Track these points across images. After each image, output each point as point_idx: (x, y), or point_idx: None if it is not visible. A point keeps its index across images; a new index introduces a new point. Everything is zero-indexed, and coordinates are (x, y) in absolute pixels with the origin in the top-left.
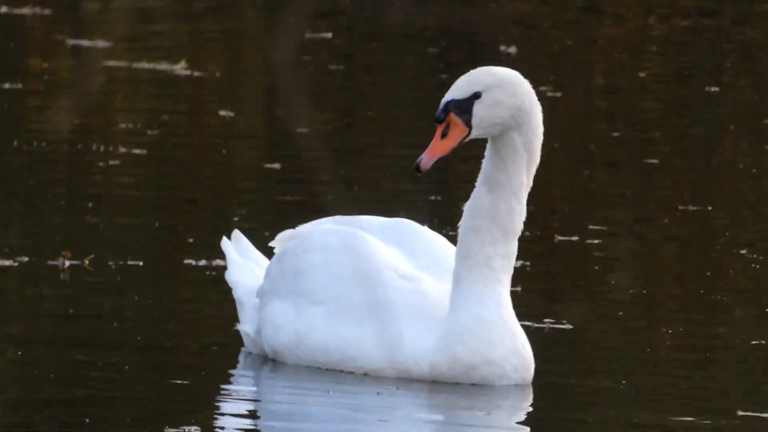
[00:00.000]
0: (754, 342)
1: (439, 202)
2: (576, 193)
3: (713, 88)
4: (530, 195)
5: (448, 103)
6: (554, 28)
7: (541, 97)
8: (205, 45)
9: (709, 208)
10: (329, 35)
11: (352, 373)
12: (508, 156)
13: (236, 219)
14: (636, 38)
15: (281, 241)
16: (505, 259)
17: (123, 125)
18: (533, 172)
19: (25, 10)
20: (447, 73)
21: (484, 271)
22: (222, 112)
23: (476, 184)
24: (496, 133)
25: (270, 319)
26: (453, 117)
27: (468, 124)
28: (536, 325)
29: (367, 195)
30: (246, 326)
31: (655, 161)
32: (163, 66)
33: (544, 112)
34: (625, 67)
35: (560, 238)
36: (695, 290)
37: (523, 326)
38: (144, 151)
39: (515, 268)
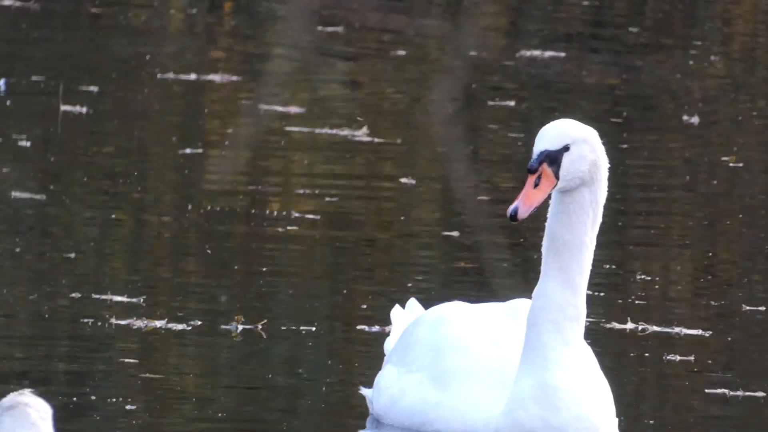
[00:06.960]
0: None
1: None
2: (759, 263)
3: None
4: (715, 265)
5: (542, 153)
6: (737, 100)
7: (722, 167)
8: (387, 112)
9: None
10: (512, 103)
11: None
12: (574, 212)
13: (410, 285)
14: None
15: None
16: (574, 321)
17: (300, 190)
18: (596, 231)
19: (215, 77)
20: (628, 143)
21: (553, 336)
22: (402, 180)
23: (542, 249)
24: (573, 187)
25: (377, 382)
26: (545, 168)
27: (556, 176)
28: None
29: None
30: (368, 391)
31: None
32: (344, 131)
33: (726, 182)
34: None
35: (747, 308)
36: None
37: (718, 395)
38: (319, 217)
39: (708, 339)
